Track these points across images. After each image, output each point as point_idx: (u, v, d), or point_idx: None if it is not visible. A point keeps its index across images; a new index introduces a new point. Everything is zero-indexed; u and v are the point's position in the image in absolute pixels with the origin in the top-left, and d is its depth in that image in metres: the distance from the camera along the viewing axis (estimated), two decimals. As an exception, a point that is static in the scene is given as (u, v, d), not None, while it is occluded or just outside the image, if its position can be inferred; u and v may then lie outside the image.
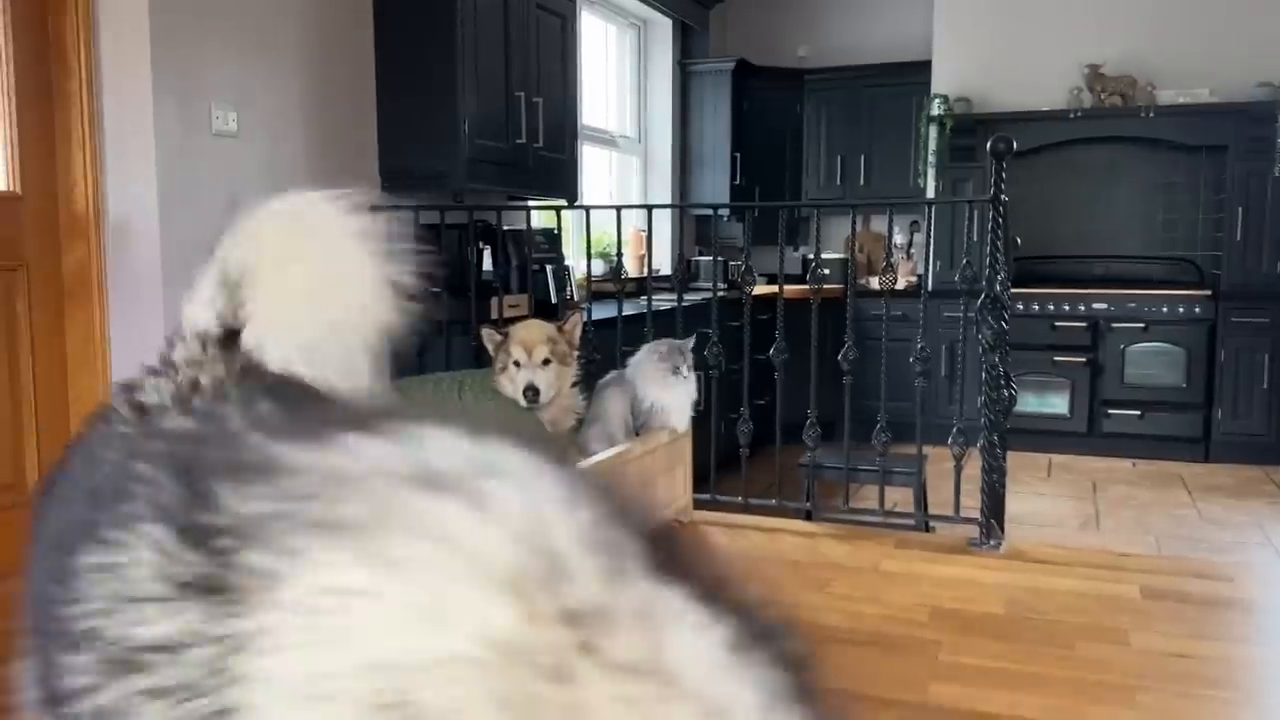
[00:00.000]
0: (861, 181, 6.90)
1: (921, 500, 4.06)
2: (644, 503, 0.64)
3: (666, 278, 6.23)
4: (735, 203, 6.56)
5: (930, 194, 6.36)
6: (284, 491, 0.68)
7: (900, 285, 6.17)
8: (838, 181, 6.98)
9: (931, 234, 6.02)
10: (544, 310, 4.15)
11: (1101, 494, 5.15)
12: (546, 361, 2.92)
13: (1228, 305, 5.83)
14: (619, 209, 4.04)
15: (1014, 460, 3.80)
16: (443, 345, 3.86)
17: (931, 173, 6.42)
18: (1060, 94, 6.22)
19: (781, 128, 7.00)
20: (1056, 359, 6.11)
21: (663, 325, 3.76)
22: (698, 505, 3.74)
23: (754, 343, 3.92)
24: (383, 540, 0.59)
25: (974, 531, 3.58)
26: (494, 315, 3.90)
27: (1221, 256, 5.94)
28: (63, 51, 3.04)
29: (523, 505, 0.59)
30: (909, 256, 6.88)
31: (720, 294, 4.07)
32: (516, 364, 2.92)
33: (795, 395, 3.87)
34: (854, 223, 4.20)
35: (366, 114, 3.98)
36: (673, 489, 3.50)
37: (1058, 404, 6.13)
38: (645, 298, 4.05)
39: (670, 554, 0.59)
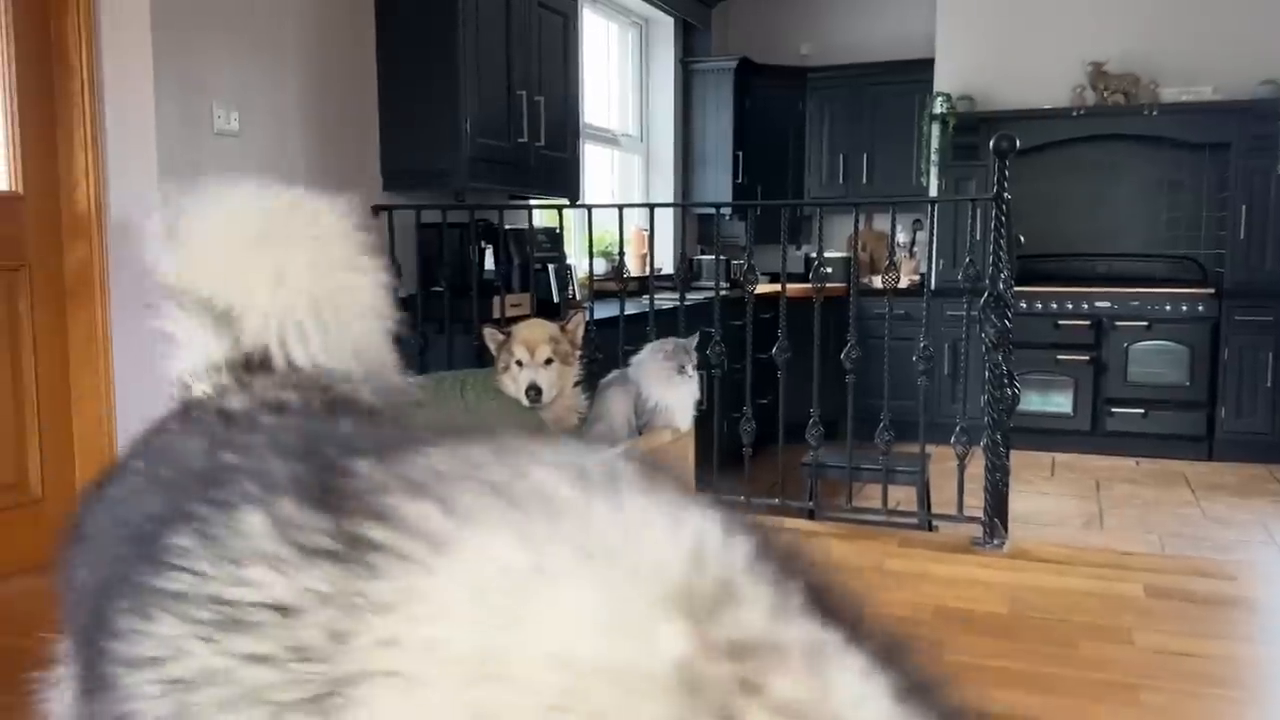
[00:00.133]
0: (864, 180, 6.90)
1: (924, 499, 4.05)
2: (793, 538, 0.61)
3: (669, 277, 6.23)
4: (738, 201, 6.55)
5: (933, 192, 6.35)
6: (434, 466, 0.67)
7: (903, 284, 6.16)
8: (840, 180, 6.97)
9: (934, 232, 6.00)
10: (546, 309, 4.14)
11: (1105, 493, 5.14)
12: (549, 361, 2.91)
13: (1231, 303, 5.81)
14: (621, 208, 4.03)
15: (1017, 459, 3.79)
16: (445, 344, 3.85)
17: (934, 171, 6.41)
18: (1063, 92, 6.21)
19: (784, 126, 6.98)
20: (1060, 357, 6.10)
21: (665, 324, 3.76)
22: (700, 504, 3.73)
23: (756, 342, 3.91)
24: (553, 530, 0.57)
25: (977, 530, 3.57)
26: (496, 314, 3.89)
27: (1225, 255, 5.92)
28: (64, 51, 3.04)
29: (690, 524, 0.57)
30: (912, 255, 6.87)
31: (723, 293, 4.07)
32: (519, 363, 2.92)
33: (798, 394, 3.87)
34: (857, 221, 4.20)
35: (368, 113, 3.98)
36: (675, 488, 3.49)
37: (1061, 403, 6.12)
38: (647, 297, 4.05)
39: (826, 591, 0.57)
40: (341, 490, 0.68)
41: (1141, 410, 5.99)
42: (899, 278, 4.22)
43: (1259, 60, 5.86)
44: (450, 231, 3.98)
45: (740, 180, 6.78)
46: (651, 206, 4.16)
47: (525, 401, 2.88)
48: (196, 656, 0.67)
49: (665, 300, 4.67)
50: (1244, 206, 5.82)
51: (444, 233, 3.94)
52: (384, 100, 4.01)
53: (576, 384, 3.05)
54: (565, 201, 4.55)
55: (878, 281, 6.16)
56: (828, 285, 3.85)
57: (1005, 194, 3.41)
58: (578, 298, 4.75)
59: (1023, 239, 3.94)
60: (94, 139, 3.06)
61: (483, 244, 4.13)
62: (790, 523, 3.76)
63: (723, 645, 0.51)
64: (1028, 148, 4.16)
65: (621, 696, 0.50)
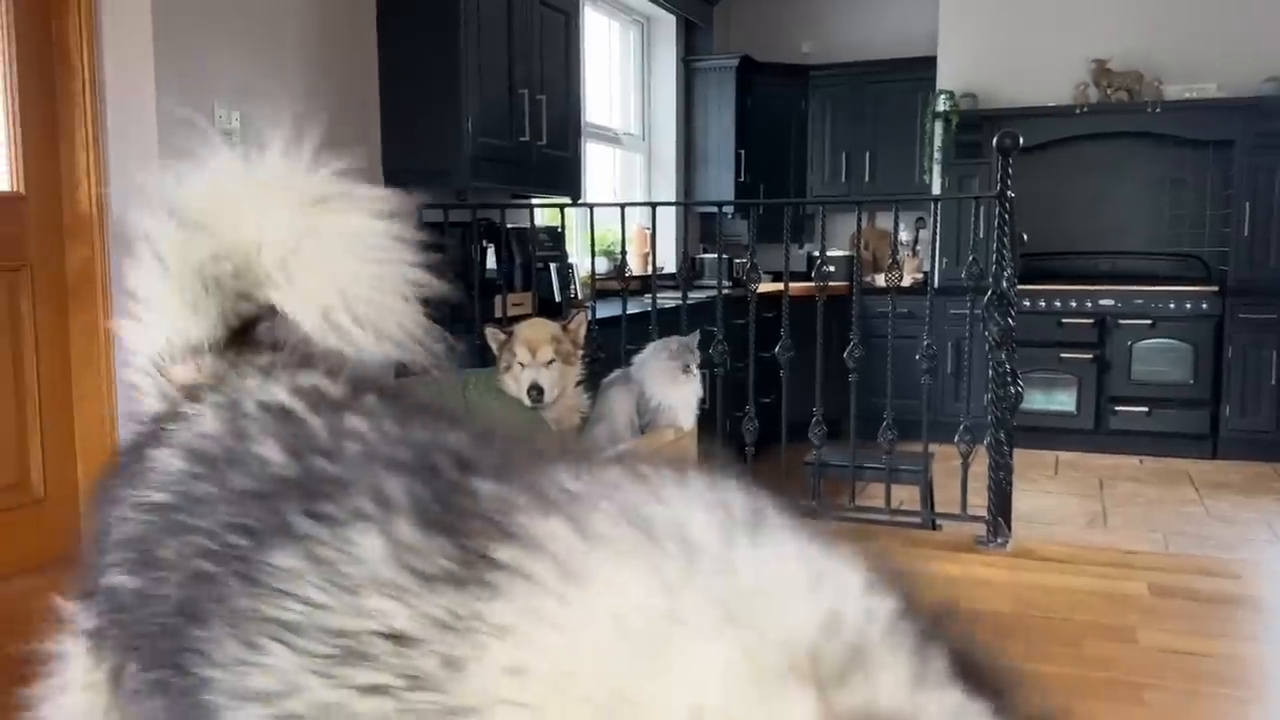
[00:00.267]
0: (867, 178, 6.88)
1: (928, 498, 4.04)
2: (939, 588, 0.59)
3: (671, 276, 6.22)
4: (740, 200, 6.54)
5: (936, 190, 6.35)
6: (563, 484, 0.64)
7: (906, 282, 6.14)
8: (843, 178, 6.96)
9: (937, 230, 6.00)
10: (548, 308, 4.14)
11: (1109, 491, 5.13)
12: (550, 361, 2.91)
13: (1235, 301, 5.80)
14: (623, 207, 4.03)
15: (1020, 458, 3.78)
16: (445, 346, 3.84)
17: (937, 169, 6.40)
18: (1066, 89, 6.20)
19: (786, 124, 6.97)
20: (1063, 356, 6.09)
21: (667, 323, 3.75)
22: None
23: (759, 341, 3.90)
24: (690, 575, 0.54)
25: (981, 529, 3.56)
26: (498, 314, 3.89)
27: (1229, 252, 5.91)
28: (65, 51, 3.03)
29: (830, 580, 0.55)
30: (915, 253, 6.85)
31: (725, 292, 4.06)
32: (520, 363, 2.91)
33: (800, 393, 3.86)
34: (859, 219, 4.19)
35: (370, 112, 3.98)
36: (678, 487, 3.48)
37: (1064, 401, 6.10)
38: (650, 296, 4.04)
39: (974, 656, 0.55)
40: (463, 510, 0.66)
41: (1145, 408, 5.98)
42: (902, 276, 4.21)
43: (1263, 57, 5.85)
44: (452, 230, 3.98)
45: (742, 179, 6.77)
46: (654, 205, 4.16)
47: (527, 401, 2.88)
48: (312, 691, 0.65)
49: (667, 299, 4.66)
50: (1248, 204, 5.81)
51: (446, 232, 3.94)
52: (385, 99, 4.01)
53: (579, 383, 3.04)
54: (567, 200, 4.55)
55: (880, 280, 6.15)
56: (830, 284, 3.85)
57: (1008, 192, 3.40)
58: (580, 297, 4.75)
59: (1026, 237, 3.93)
60: (96, 139, 3.06)
61: (484, 243, 4.13)
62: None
63: (852, 716, 0.49)
64: (1031, 145, 4.16)
65: None
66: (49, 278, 3.05)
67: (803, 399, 3.87)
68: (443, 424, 0.86)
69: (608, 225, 5.38)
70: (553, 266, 4.48)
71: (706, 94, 6.87)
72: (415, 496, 0.69)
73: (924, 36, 6.64)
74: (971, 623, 0.58)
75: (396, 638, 0.62)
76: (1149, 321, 5.96)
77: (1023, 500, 3.95)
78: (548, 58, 4.46)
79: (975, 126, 6.15)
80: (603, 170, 6.38)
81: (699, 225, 7.14)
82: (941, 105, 6.32)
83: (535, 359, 2.90)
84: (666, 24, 6.79)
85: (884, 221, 6.86)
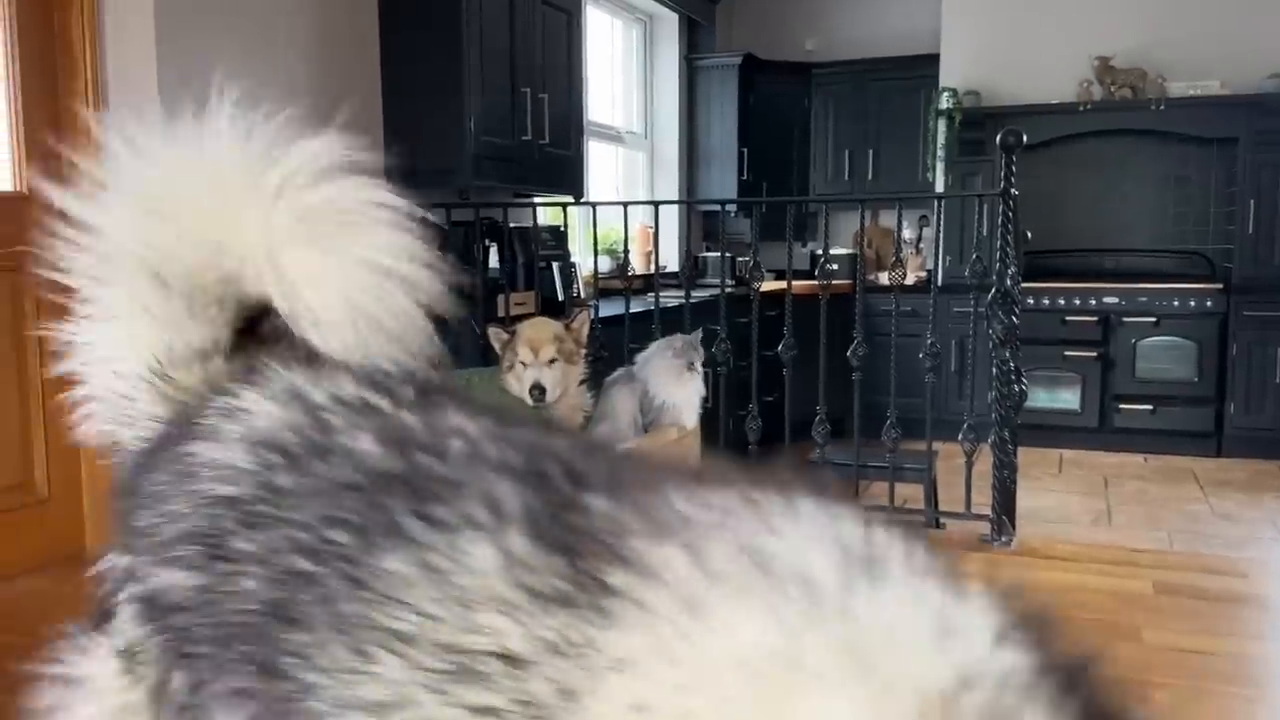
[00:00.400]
0: (870, 176, 6.87)
1: (932, 497, 4.03)
2: (1080, 641, 0.57)
3: (674, 274, 6.22)
4: (743, 198, 6.53)
5: (939, 188, 6.33)
6: (677, 507, 0.62)
7: (909, 280, 6.14)
8: (846, 176, 6.95)
9: (941, 228, 5.93)
10: (551, 307, 4.14)
11: (1113, 489, 5.12)
12: (553, 360, 2.90)
13: (1239, 298, 5.79)
14: (626, 205, 4.02)
15: (1025, 456, 3.77)
16: (449, 343, 3.84)
17: (940, 167, 6.39)
18: (1070, 87, 6.18)
19: (789, 122, 6.96)
20: (1067, 354, 6.08)
21: (670, 322, 3.75)
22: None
23: (762, 339, 3.90)
24: (812, 619, 0.53)
25: (985, 528, 3.56)
26: (501, 313, 3.89)
27: (1233, 249, 5.90)
28: (68, 50, 3.03)
29: (959, 628, 0.53)
30: (918, 251, 6.84)
31: (728, 290, 4.06)
32: (523, 363, 2.91)
33: (804, 392, 3.86)
34: (863, 217, 4.18)
35: (372, 111, 3.97)
36: (681, 486, 3.48)
37: (1069, 399, 6.09)
38: (652, 295, 4.04)
39: (1113, 711, 0.53)
40: (576, 528, 0.64)
41: (1149, 406, 5.96)
42: (905, 274, 4.21)
43: (1267, 54, 5.83)
44: (455, 230, 3.97)
45: (745, 177, 6.77)
46: (656, 204, 4.15)
47: (529, 401, 2.87)
48: (423, 707, 0.63)
49: (670, 298, 4.65)
50: (1252, 201, 5.79)
51: (448, 231, 3.93)
52: (388, 99, 4.00)
53: (582, 382, 3.04)
54: (570, 199, 4.54)
55: (884, 278, 6.14)
56: (834, 282, 3.84)
57: (1012, 189, 3.40)
58: (582, 296, 4.74)
59: (1029, 235, 3.92)
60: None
61: (487, 242, 4.12)
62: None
63: None
64: (1034, 143, 4.15)
65: None
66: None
67: (806, 397, 3.86)
68: (539, 427, 0.84)
69: (610, 224, 5.37)
70: (555, 265, 4.48)
71: (709, 92, 6.86)
72: (528, 507, 0.68)
73: (927, 34, 6.62)
74: (1110, 675, 0.56)
75: (509, 658, 0.61)
76: (1153, 319, 5.95)
77: (1027, 499, 3.94)
78: (550, 56, 4.46)
79: (978, 124, 6.13)
80: (605, 169, 6.37)
81: (702, 224, 7.14)
82: (945, 103, 6.31)
83: (537, 358, 2.90)
84: (669, 22, 6.78)
85: (887, 219, 6.85)
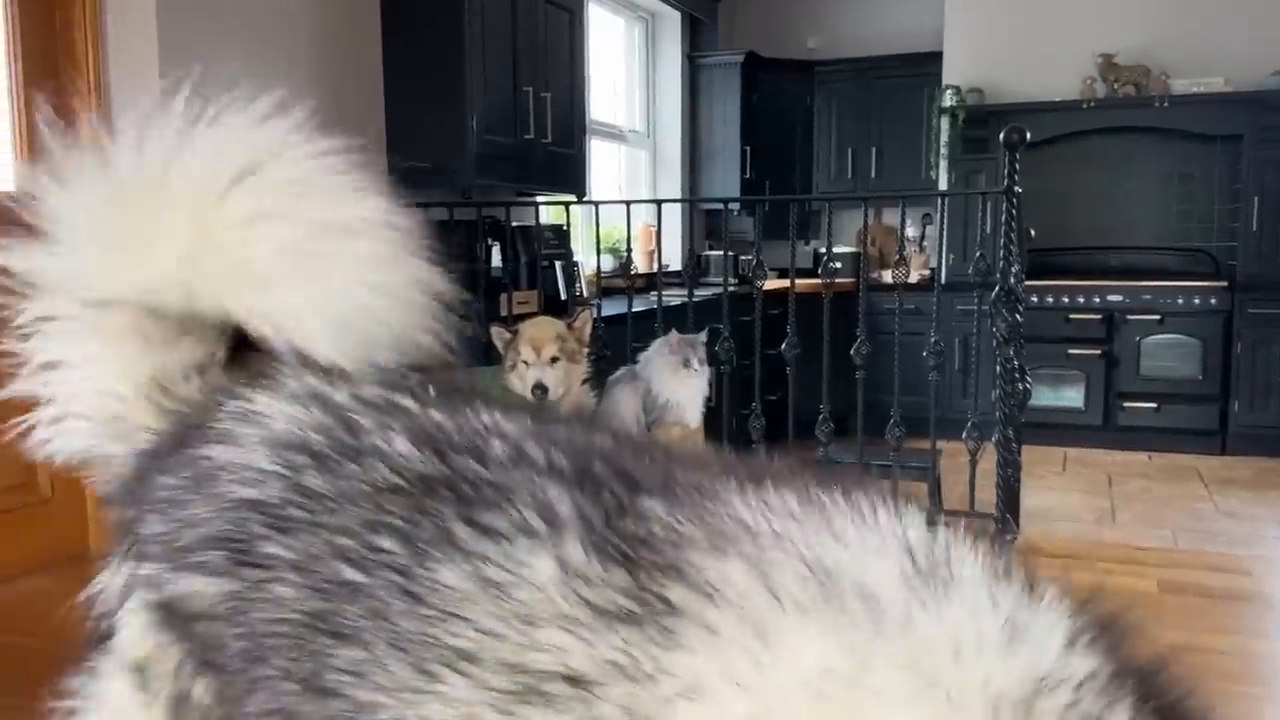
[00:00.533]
0: (873, 174, 6.86)
1: (936, 495, 4.03)
2: (1152, 644, 0.56)
3: (677, 273, 6.21)
4: (745, 196, 6.52)
5: (942, 186, 6.32)
6: (737, 515, 0.61)
7: (913, 278, 6.13)
8: (849, 174, 6.94)
9: (944, 226, 5.94)
10: (553, 306, 4.14)
11: (1117, 487, 5.11)
12: (555, 359, 2.90)
13: (1244, 296, 5.77)
14: (628, 204, 4.02)
15: (1029, 454, 3.76)
16: (455, 342, 3.84)
17: (943, 164, 6.37)
18: (1073, 84, 6.17)
19: (792, 120, 6.95)
20: (1071, 352, 6.06)
21: (673, 321, 3.74)
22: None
23: (765, 338, 3.89)
24: (877, 638, 0.53)
25: (989, 526, 3.55)
26: (503, 312, 3.88)
27: (1237, 247, 5.88)
28: (70, 50, 3.03)
29: (1026, 636, 0.52)
30: (921, 249, 6.83)
31: (731, 289, 4.05)
32: (525, 362, 2.91)
33: (807, 390, 3.85)
34: (866, 216, 4.18)
35: (374, 111, 3.97)
36: (684, 485, 3.47)
37: (1072, 397, 6.08)
38: (655, 293, 4.03)
39: (1184, 711, 0.53)
40: (634, 537, 0.63)
41: (1154, 404, 5.95)
42: (909, 272, 4.20)
43: (1270, 51, 5.81)
44: (457, 229, 3.97)
45: (748, 175, 6.76)
46: (659, 202, 4.15)
47: (532, 400, 2.87)
48: None
49: (673, 297, 4.65)
50: (1256, 198, 5.78)
51: (451, 230, 3.93)
52: (390, 98, 4.00)
53: (584, 381, 3.04)
54: (572, 198, 4.54)
55: (887, 276, 6.12)
56: (837, 280, 3.83)
57: (1015, 187, 3.39)
58: (585, 295, 4.74)
59: (1033, 232, 3.92)
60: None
61: (490, 241, 4.12)
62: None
63: None
64: (1038, 140, 4.14)
65: None
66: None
67: (809, 396, 3.86)
68: (576, 423, 0.82)
69: (613, 223, 5.37)
70: (558, 264, 4.47)
71: (711, 90, 6.85)
72: (583, 515, 0.66)
73: (930, 31, 6.61)
74: (1185, 675, 0.55)
75: (574, 680, 0.59)
76: (1157, 317, 5.94)
77: (1031, 497, 3.94)
78: (552, 55, 4.45)
79: (982, 122, 6.12)
80: (608, 167, 6.36)
81: (704, 222, 7.13)
82: (948, 100, 6.30)
83: (540, 357, 2.89)
84: (671, 20, 6.77)
85: (890, 217, 6.84)
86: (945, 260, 6.01)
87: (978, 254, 3.65)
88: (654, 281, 4.24)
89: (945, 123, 6.29)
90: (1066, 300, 6.09)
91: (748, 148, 6.78)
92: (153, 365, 0.97)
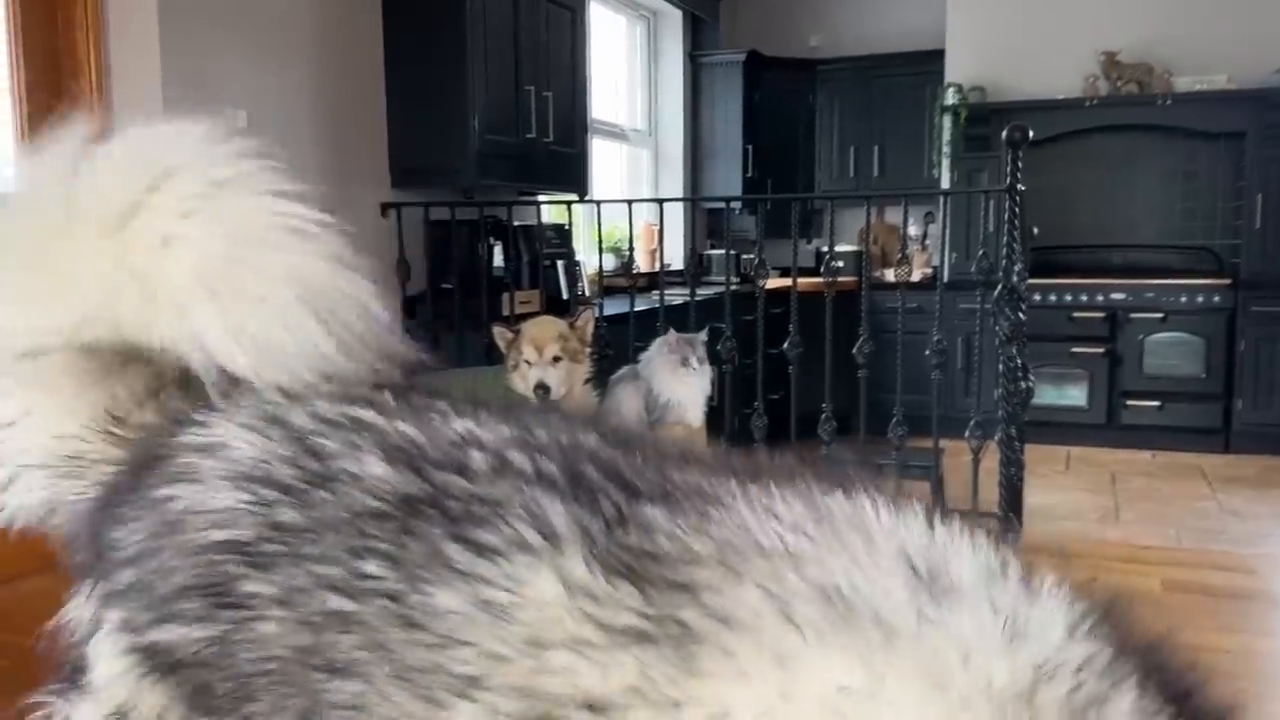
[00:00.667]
0: (875, 172, 6.86)
1: (939, 494, 4.02)
2: (1142, 618, 0.58)
3: (679, 272, 6.21)
4: (748, 195, 6.51)
5: (945, 184, 6.31)
6: (744, 524, 0.60)
7: (915, 277, 6.10)
8: (851, 173, 6.93)
9: (947, 225, 5.94)
10: (555, 306, 4.13)
11: (1121, 486, 5.10)
12: (557, 359, 2.90)
13: (1247, 294, 5.76)
14: (630, 203, 4.01)
15: (1032, 453, 3.76)
16: (454, 342, 3.84)
17: (946, 163, 6.36)
18: (1076, 82, 6.16)
19: (794, 119, 6.95)
20: (1074, 350, 6.05)
21: (675, 320, 3.74)
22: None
23: (768, 337, 3.89)
24: (890, 654, 0.53)
25: (992, 525, 3.54)
26: (505, 311, 3.88)
27: (1240, 245, 5.87)
28: (72, 50, 3.03)
29: (1030, 638, 0.54)
30: (924, 248, 6.82)
31: (733, 288, 4.05)
32: (528, 361, 2.91)
33: (810, 389, 3.84)
34: (868, 214, 4.17)
35: (376, 110, 3.97)
36: (687, 485, 3.47)
37: (1076, 396, 6.07)
38: (657, 293, 4.03)
39: (1190, 687, 0.55)
40: (638, 550, 0.61)
41: (1157, 403, 5.94)
42: (911, 271, 4.19)
43: (1273, 48, 5.80)
44: (459, 228, 3.97)
45: (750, 174, 6.75)
46: (661, 201, 4.14)
47: (534, 400, 2.87)
48: None
49: (675, 296, 4.65)
50: (1260, 196, 5.77)
51: (453, 230, 3.93)
52: (392, 97, 4.00)
53: (586, 381, 3.03)
54: (574, 197, 4.54)
55: (890, 275, 6.12)
56: (839, 279, 3.83)
57: (1018, 185, 3.38)
58: (587, 294, 4.74)
59: (1036, 231, 3.91)
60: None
61: (492, 240, 4.12)
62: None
63: None
64: (1041, 138, 4.13)
65: None
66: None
67: (812, 395, 3.85)
68: (555, 420, 0.79)
69: (615, 222, 5.37)
70: (560, 264, 4.47)
71: (713, 89, 6.85)
72: (581, 526, 0.64)
73: (932, 29, 6.60)
74: (1187, 654, 0.58)
75: (593, 706, 0.58)
76: (1160, 315, 5.93)
77: (1034, 496, 3.93)
78: (554, 54, 4.45)
79: (984, 120, 6.11)
80: (609, 166, 6.36)
81: (706, 221, 7.13)
82: (950, 99, 6.29)
83: (542, 357, 2.89)
84: (673, 19, 6.77)
85: (893, 216, 6.83)
86: (948, 259, 6.00)
87: (980, 252, 3.65)
88: (656, 280, 4.24)
89: (947, 121, 6.28)
90: (1069, 298, 6.08)
91: (750, 146, 6.77)
92: (101, 398, 0.93)
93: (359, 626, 0.68)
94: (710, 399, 3.37)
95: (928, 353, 3.64)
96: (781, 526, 0.61)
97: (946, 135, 6.31)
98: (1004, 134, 3.39)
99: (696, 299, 4.06)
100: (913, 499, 0.66)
